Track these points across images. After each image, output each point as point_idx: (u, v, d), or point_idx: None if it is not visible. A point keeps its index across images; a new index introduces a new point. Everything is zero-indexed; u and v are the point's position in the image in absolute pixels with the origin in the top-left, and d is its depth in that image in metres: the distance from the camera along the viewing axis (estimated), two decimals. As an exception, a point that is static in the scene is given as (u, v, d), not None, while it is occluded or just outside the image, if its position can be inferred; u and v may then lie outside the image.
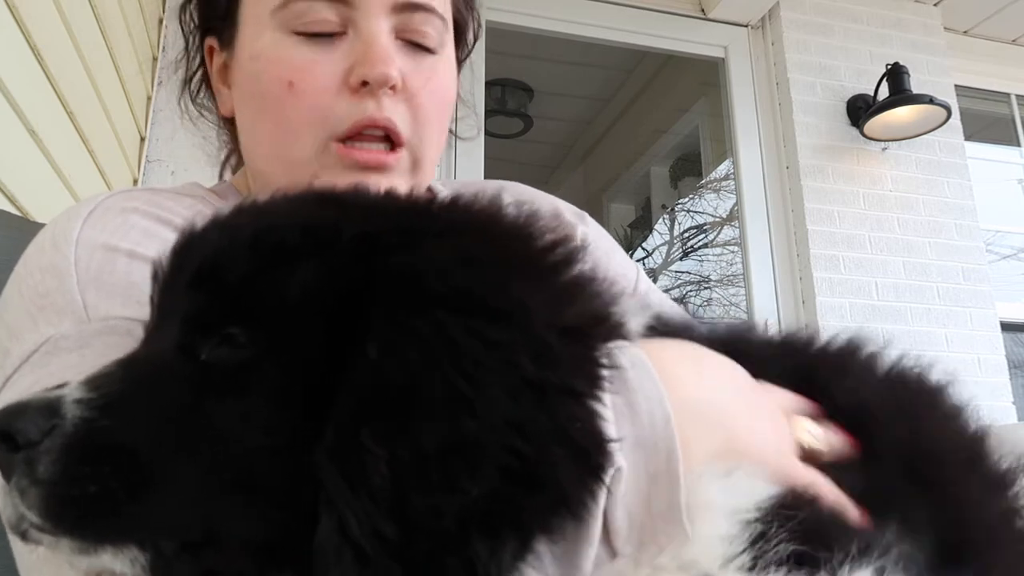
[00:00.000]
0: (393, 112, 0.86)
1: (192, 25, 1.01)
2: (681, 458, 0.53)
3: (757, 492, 0.53)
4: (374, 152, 0.86)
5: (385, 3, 0.86)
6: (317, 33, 0.85)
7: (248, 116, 0.93)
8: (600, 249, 1.05)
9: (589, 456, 0.49)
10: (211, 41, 0.98)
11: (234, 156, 1.08)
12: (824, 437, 0.62)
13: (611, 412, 0.52)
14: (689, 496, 0.52)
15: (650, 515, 0.51)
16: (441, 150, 0.97)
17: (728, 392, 0.61)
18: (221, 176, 1.11)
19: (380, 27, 0.85)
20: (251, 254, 0.55)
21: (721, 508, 0.52)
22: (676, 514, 0.51)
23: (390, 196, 0.66)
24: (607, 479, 0.49)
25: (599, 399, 0.51)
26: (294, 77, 0.85)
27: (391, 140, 0.87)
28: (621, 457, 0.51)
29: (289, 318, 0.53)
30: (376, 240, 0.55)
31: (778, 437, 0.60)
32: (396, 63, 0.85)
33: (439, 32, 0.90)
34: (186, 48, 1.04)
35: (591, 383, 0.51)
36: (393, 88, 0.85)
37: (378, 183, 0.83)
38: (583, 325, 0.54)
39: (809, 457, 0.61)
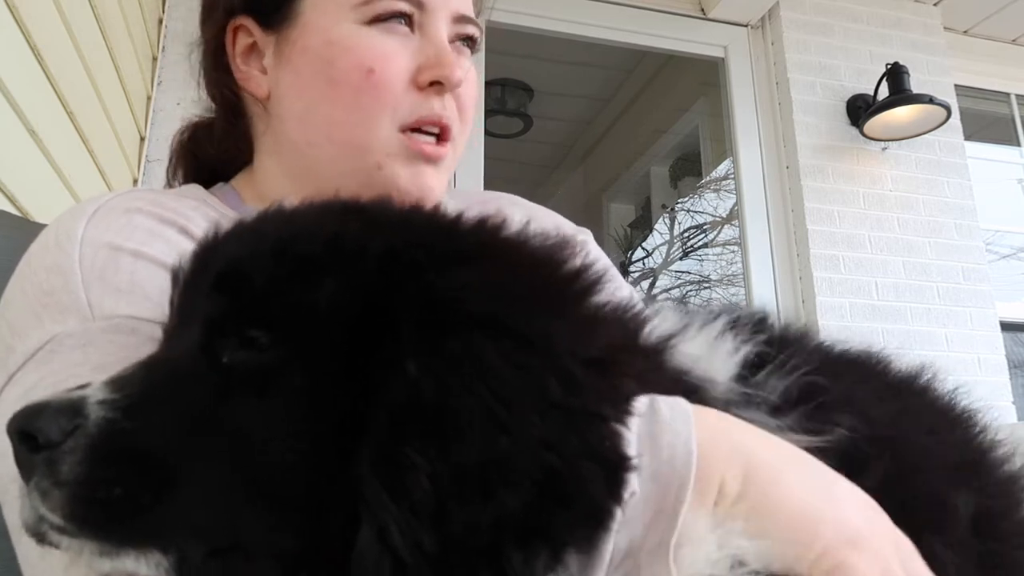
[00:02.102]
0: (451, 111, 0.94)
1: (216, 4, 0.99)
2: (688, 500, 0.51)
3: (761, 551, 0.51)
4: (433, 144, 0.92)
5: (449, 12, 0.94)
6: (391, 16, 0.91)
7: (309, 100, 0.93)
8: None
9: (616, 470, 0.50)
10: (244, 21, 0.96)
11: (181, 161, 1.06)
12: None
13: (634, 436, 0.52)
14: (681, 535, 0.51)
15: (642, 549, 0.51)
16: None
17: (799, 468, 0.55)
18: (169, 180, 1.08)
19: (445, 33, 0.94)
20: (276, 260, 0.56)
21: (714, 542, 0.51)
22: (663, 553, 0.50)
23: (415, 210, 0.68)
24: (626, 495, 0.50)
25: (623, 423, 0.52)
26: (375, 65, 0.90)
27: (441, 136, 0.93)
28: (636, 483, 0.51)
29: (312, 325, 0.54)
30: (403, 256, 0.55)
31: (863, 527, 0.54)
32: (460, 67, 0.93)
33: (476, 40, 0.99)
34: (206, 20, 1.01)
35: (616, 409, 0.52)
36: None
37: (430, 175, 0.93)
38: (607, 355, 0.54)
39: None
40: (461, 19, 0.96)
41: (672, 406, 0.55)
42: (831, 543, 0.52)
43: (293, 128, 0.95)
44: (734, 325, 0.64)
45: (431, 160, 0.92)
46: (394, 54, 0.90)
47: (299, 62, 0.93)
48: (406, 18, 0.92)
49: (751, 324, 0.65)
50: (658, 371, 0.59)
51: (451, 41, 0.95)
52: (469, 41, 0.99)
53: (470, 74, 0.96)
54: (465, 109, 0.96)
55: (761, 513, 0.52)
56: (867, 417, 0.59)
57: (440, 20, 0.93)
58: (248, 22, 0.96)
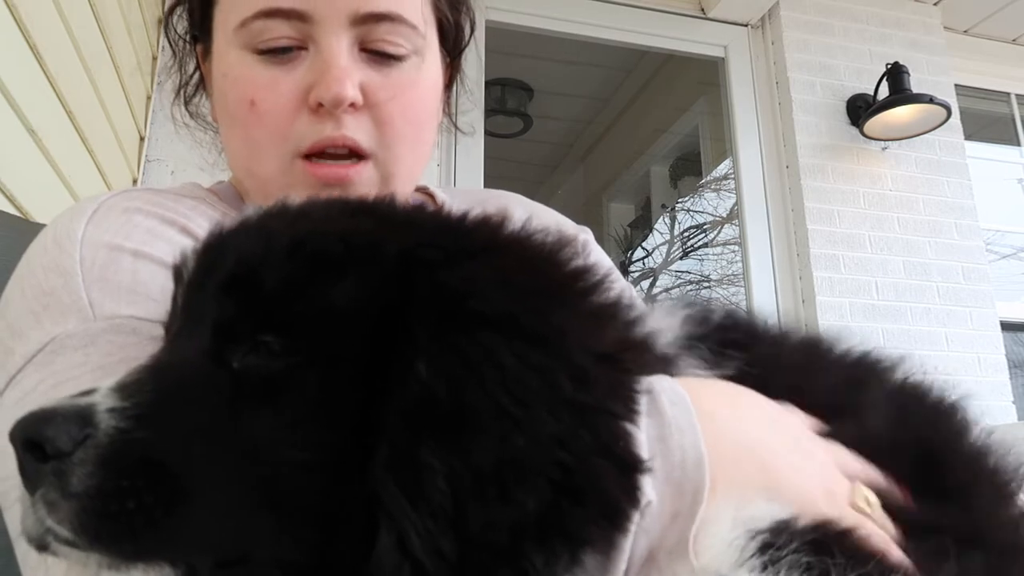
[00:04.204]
0: (355, 130, 0.85)
1: (176, 33, 1.01)
2: (705, 500, 0.52)
3: (773, 512, 0.52)
4: (335, 167, 0.85)
5: (344, 16, 0.84)
6: (276, 50, 0.85)
7: (222, 130, 0.95)
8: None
9: (630, 471, 0.50)
10: (199, 48, 0.98)
11: None
12: (881, 512, 0.58)
13: (644, 435, 0.52)
14: (700, 521, 0.52)
15: (661, 548, 0.51)
16: (422, 161, 0.95)
17: (771, 430, 0.59)
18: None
19: (340, 43, 0.84)
20: (289, 262, 0.54)
21: (729, 519, 0.51)
22: (683, 549, 0.51)
23: (420, 210, 0.67)
24: (642, 499, 0.50)
25: (633, 421, 0.52)
26: (256, 96, 0.85)
27: (357, 155, 0.86)
28: (652, 492, 0.51)
29: (327, 327, 0.52)
30: (417, 256, 0.55)
31: (826, 483, 0.57)
32: (354, 80, 0.84)
33: (410, 40, 0.88)
34: (174, 54, 1.03)
35: (626, 406, 0.52)
36: (353, 106, 0.84)
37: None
38: (615, 352, 0.54)
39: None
40: (366, 19, 0.85)
41: (671, 399, 0.56)
42: (828, 501, 0.56)
43: (226, 153, 0.97)
44: (685, 307, 0.70)
45: (337, 185, 0.85)
46: (274, 82, 0.84)
47: (213, 91, 0.94)
48: (291, 38, 0.84)
49: (700, 309, 0.70)
50: (649, 355, 0.60)
51: (363, 48, 0.86)
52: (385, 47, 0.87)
53: (397, 83, 0.87)
54: (385, 124, 0.86)
55: (775, 498, 0.54)
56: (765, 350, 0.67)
57: (330, 29, 0.84)
58: (200, 49, 0.98)
